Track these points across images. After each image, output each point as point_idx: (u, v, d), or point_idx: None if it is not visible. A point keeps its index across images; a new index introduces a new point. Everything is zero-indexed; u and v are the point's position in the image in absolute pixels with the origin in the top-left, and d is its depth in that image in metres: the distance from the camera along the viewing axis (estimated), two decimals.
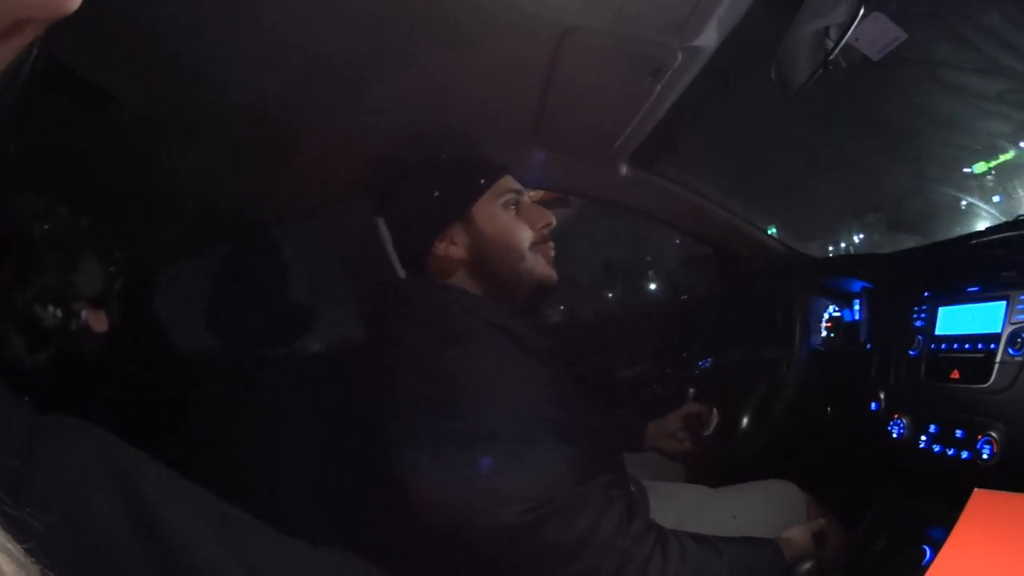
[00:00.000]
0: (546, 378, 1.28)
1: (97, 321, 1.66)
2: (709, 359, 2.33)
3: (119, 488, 0.65)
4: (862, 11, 1.26)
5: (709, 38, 1.46)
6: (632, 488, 1.56)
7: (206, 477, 0.74)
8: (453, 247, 1.45)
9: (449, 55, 1.41)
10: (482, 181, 1.47)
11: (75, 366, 1.64)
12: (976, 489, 0.99)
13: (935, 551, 0.99)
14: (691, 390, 2.17)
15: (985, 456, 1.24)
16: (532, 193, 2.16)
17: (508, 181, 1.50)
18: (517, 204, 1.50)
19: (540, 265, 1.47)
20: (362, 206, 1.84)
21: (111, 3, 1.03)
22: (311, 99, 1.46)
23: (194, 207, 1.78)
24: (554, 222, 1.51)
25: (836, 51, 1.37)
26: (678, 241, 2.63)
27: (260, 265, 1.84)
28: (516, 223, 1.47)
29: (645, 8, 1.32)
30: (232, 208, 1.85)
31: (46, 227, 1.32)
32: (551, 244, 1.52)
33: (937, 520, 1.26)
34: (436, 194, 1.47)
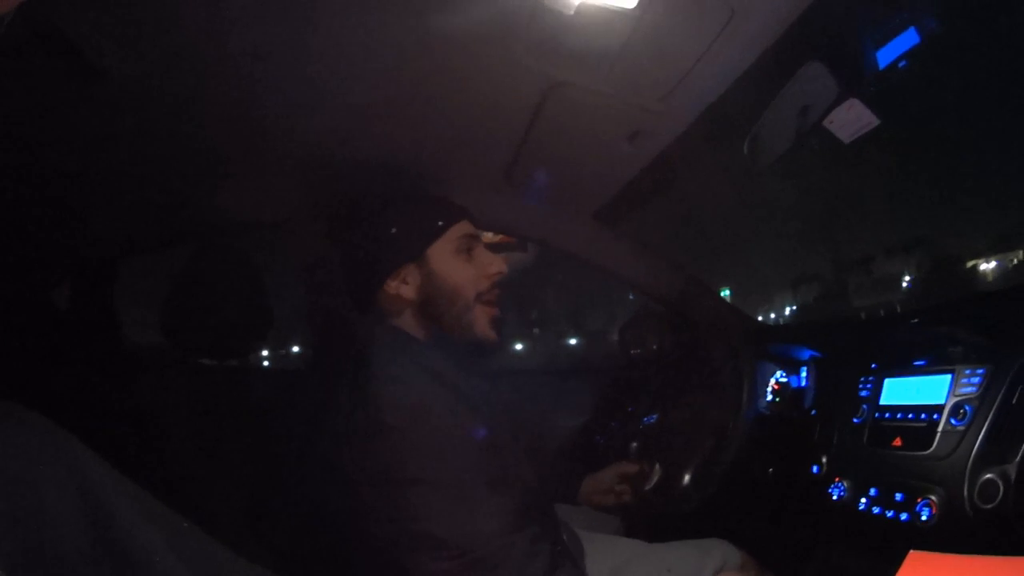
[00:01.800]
0: (479, 426, 1.29)
1: None
2: (655, 415, 2.37)
3: (72, 484, 0.65)
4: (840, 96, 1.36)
5: (690, 108, 1.54)
6: (566, 538, 1.58)
7: (143, 479, 0.75)
8: (404, 286, 1.44)
9: (436, 92, 1.46)
10: (440, 223, 1.46)
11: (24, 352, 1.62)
12: (912, 550, 1.03)
13: None
14: (634, 444, 2.20)
15: (924, 518, 1.31)
16: (490, 235, 2.19)
17: (465, 226, 1.49)
18: (471, 250, 1.48)
19: (482, 323, 1.45)
20: (323, 230, 1.85)
21: None
22: (295, 110, 1.49)
23: (163, 201, 1.77)
24: (505, 271, 1.49)
25: (810, 132, 1.46)
26: (632, 296, 2.67)
27: (220, 271, 1.83)
28: (467, 269, 1.45)
29: (635, 73, 1.39)
30: (201, 209, 1.85)
31: None
32: (495, 304, 1.49)
33: None
34: (393, 231, 1.45)
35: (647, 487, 1.98)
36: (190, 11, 1.13)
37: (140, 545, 0.68)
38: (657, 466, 2.01)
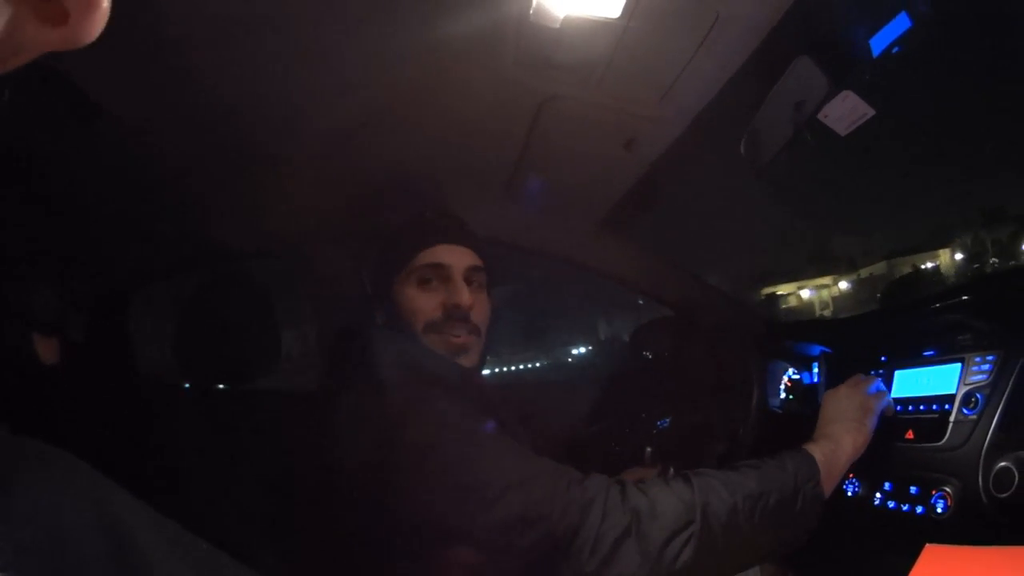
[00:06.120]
0: (495, 430, 1.29)
1: (47, 350, 1.64)
2: (667, 419, 2.37)
3: (94, 515, 0.65)
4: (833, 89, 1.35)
5: (683, 113, 1.54)
6: None
7: (160, 503, 0.76)
8: (379, 312, 1.52)
9: (430, 113, 1.49)
10: (404, 257, 1.48)
11: (34, 383, 1.63)
12: (928, 544, 1.03)
13: None
14: (648, 449, 2.19)
15: (939, 510, 1.30)
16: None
17: (432, 253, 1.46)
18: (431, 280, 1.46)
19: (440, 351, 1.44)
20: (341, 252, 1.87)
21: (120, 23, 1.08)
22: (300, 139, 1.52)
23: (172, 232, 1.79)
24: (464, 304, 1.44)
25: (805, 127, 1.45)
26: (641, 302, 2.67)
27: (230, 298, 1.85)
28: (419, 300, 1.45)
29: (625, 81, 1.40)
30: (210, 237, 1.87)
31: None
32: (455, 333, 1.45)
33: (895, 572, 1.31)
34: (375, 264, 1.54)
35: None
36: (189, 44, 1.15)
37: (164, 572, 0.68)
38: (671, 470, 2.01)
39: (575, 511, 1.13)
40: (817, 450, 1.35)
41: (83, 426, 1.30)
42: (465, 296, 1.45)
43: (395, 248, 1.49)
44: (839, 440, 1.39)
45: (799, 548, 1.29)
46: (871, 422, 1.44)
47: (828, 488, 1.31)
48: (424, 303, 1.44)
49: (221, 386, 1.91)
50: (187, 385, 1.97)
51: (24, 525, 0.59)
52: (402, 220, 1.55)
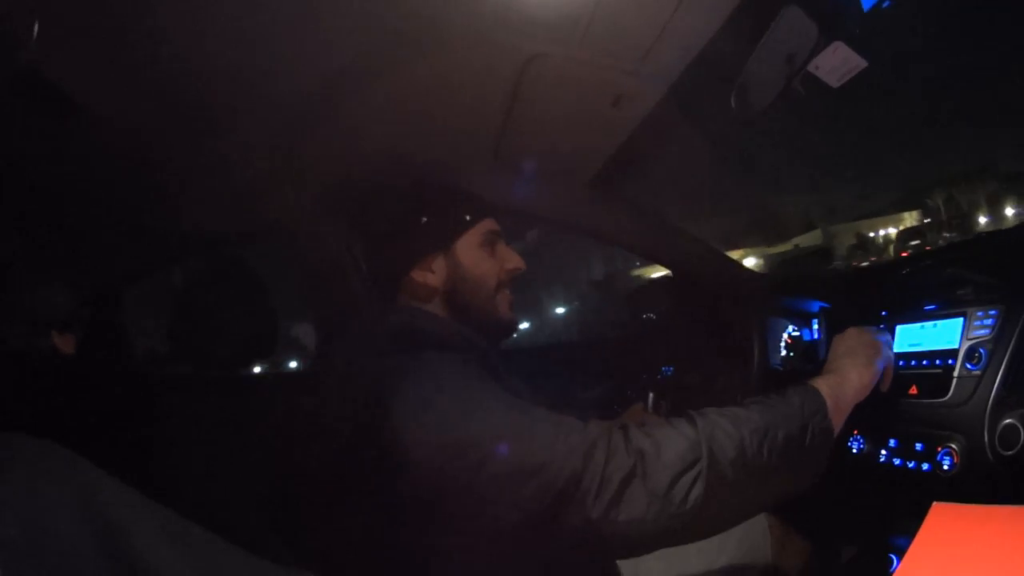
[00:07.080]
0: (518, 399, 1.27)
1: (65, 344, 1.65)
2: (671, 368, 2.36)
3: (85, 506, 0.64)
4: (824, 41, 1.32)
5: (671, 66, 1.50)
6: None
7: (162, 494, 0.74)
8: (430, 275, 1.47)
9: (417, 79, 1.44)
10: (468, 218, 1.50)
11: (33, 381, 1.63)
12: (935, 503, 1.00)
13: (902, 559, 1.01)
14: (651, 395, 2.19)
15: (946, 467, 1.29)
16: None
17: (490, 223, 1.53)
18: (493, 244, 1.53)
19: (503, 308, 1.52)
20: (332, 226, 1.84)
21: (93, 15, 1.05)
22: (283, 117, 1.49)
23: (161, 224, 1.77)
24: (524, 267, 1.56)
25: (796, 79, 1.42)
26: (638, 263, 2.65)
27: (224, 282, 1.83)
28: (491, 262, 1.50)
29: (610, 36, 1.35)
30: (199, 226, 1.84)
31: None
32: (509, 288, 1.55)
33: (903, 530, 1.29)
34: (424, 221, 1.49)
35: None
36: (153, 24, 1.11)
37: (156, 561, 0.66)
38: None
39: (577, 457, 1.11)
40: (823, 384, 1.30)
41: (90, 418, 1.29)
42: (523, 262, 1.56)
43: (459, 209, 1.51)
44: (846, 375, 1.34)
45: (813, 486, 1.25)
46: (879, 363, 1.39)
47: (836, 423, 1.27)
48: (493, 265, 1.51)
49: (219, 372, 1.90)
50: (185, 374, 1.96)
51: (9, 520, 0.57)
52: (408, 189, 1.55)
